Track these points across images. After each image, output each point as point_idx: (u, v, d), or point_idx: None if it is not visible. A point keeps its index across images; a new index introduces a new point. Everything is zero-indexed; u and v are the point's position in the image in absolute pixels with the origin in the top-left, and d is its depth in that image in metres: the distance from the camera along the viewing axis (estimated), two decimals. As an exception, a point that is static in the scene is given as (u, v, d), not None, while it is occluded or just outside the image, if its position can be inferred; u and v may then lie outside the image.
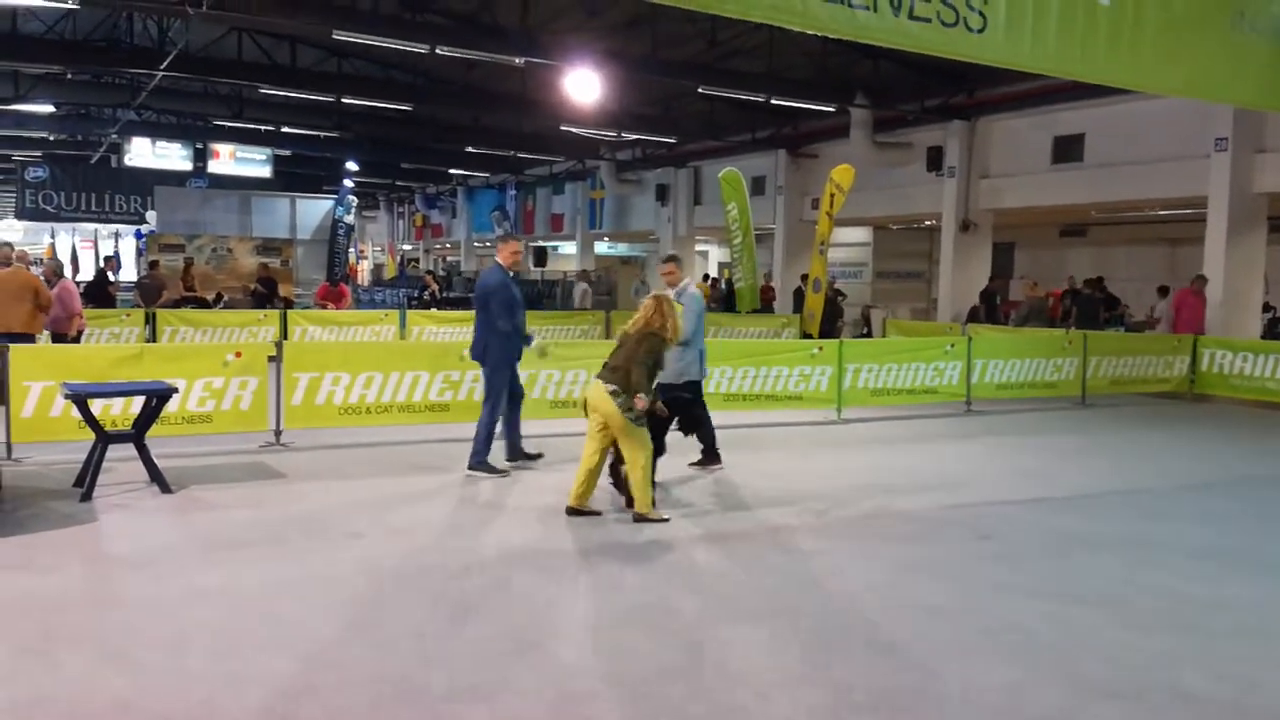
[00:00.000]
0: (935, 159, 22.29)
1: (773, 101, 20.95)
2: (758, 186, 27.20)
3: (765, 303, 23.83)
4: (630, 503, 7.12)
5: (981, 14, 7.35)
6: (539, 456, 9.04)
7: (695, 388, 8.63)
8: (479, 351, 8.54)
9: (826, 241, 19.29)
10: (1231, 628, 5.20)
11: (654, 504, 7.03)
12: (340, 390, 9.69)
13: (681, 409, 8.26)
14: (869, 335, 20.96)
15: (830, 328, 19.17)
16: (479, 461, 8.39)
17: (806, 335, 18.40)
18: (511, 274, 8.68)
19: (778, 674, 4.47)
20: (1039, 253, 28.64)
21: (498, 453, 8.65)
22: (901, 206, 23.76)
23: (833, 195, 18.66)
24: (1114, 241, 27.10)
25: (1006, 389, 13.69)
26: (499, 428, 8.60)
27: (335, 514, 7.14)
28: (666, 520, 6.98)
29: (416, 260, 48.37)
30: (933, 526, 7.17)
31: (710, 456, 8.94)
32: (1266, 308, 16.31)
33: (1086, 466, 9.80)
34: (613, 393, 6.83)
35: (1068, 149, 19.89)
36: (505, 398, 8.52)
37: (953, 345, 13.42)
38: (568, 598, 5.48)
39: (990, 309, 20.10)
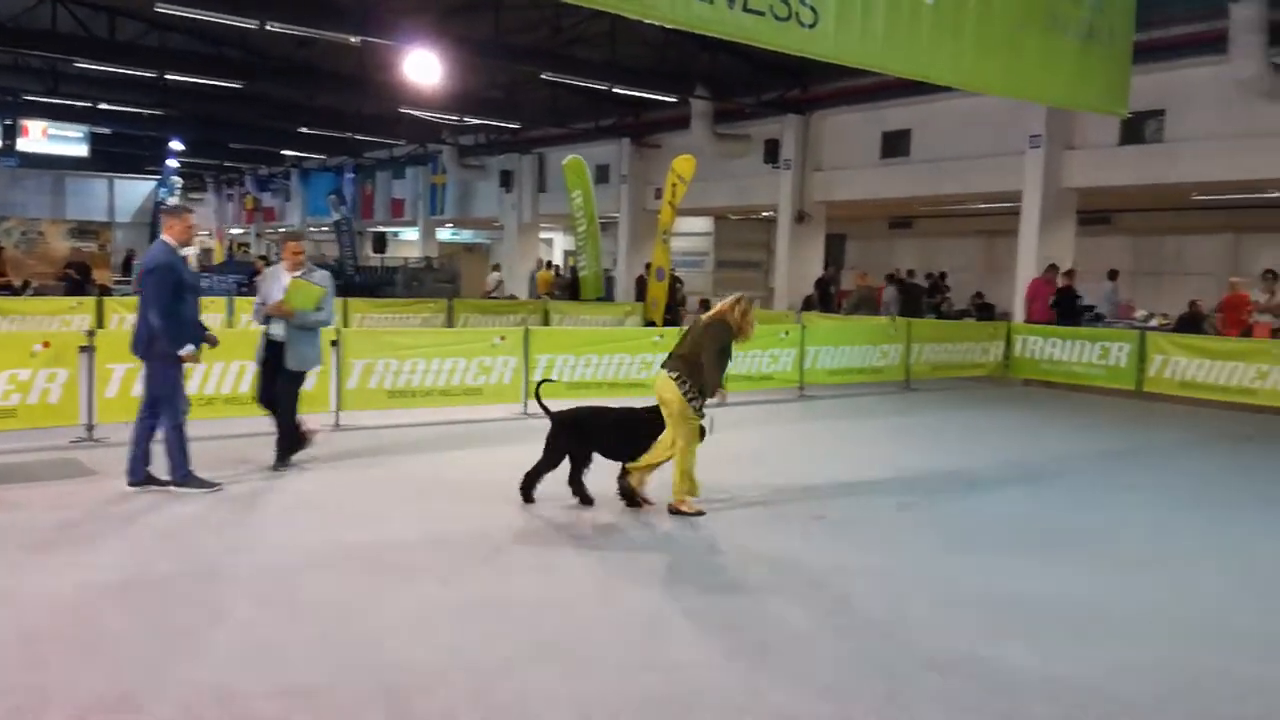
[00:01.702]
0: (772, 151, 22.89)
1: (615, 90, 21.03)
2: (602, 174, 27.29)
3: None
4: (631, 503, 7.08)
5: (813, 9, 7.54)
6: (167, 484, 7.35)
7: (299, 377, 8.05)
8: (142, 345, 7.17)
9: (669, 230, 19.53)
10: (1048, 600, 5.53)
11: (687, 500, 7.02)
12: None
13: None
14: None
15: (672, 316, 19.44)
16: (184, 475, 7.18)
17: (650, 323, 18.59)
18: (177, 252, 7.26)
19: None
20: (869, 244, 29.82)
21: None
22: (741, 197, 24.29)
23: (675, 185, 18.90)
24: (938, 233, 28.47)
25: (838, 374, 14.20)
26: (174, 434, 7.18)
27: (152, 513, 6.75)
28: (702, 514, 6.95)
29: (247, 245, 46.32)
30: (772, 508, 7.35)
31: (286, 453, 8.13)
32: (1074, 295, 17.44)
33: (911, 447, 10.27)
34: (677, 379, 6.82)
35: (896, 144, 20.76)
36: (180, 399, 7.22)
37: (787, 333, 13.82)
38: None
39: (824, 298, 20.80)
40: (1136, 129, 16.68)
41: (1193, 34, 15.32)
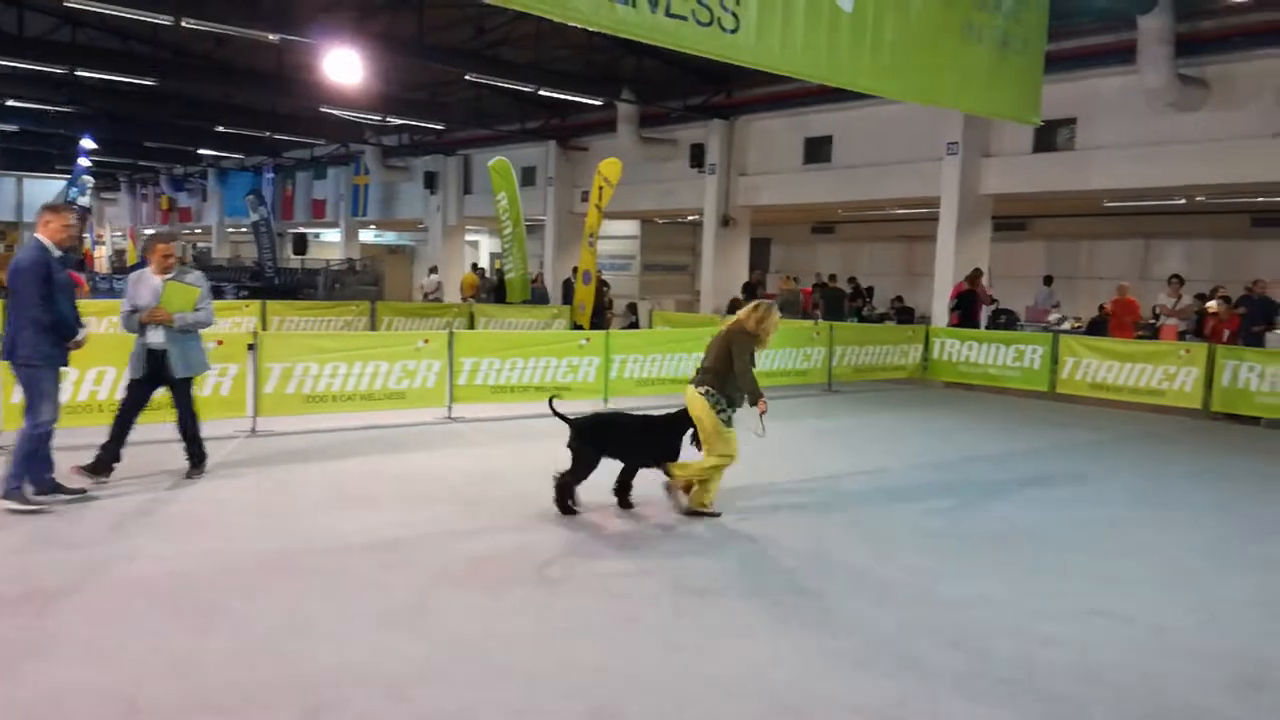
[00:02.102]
0: (698, 156, 23.00)
1: (541, 93, 20.96)
2: (528, 177, 27.17)
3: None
4: (625, 505, 7.18)
5: (735, 15, 7.60)
6: (81, 492, 7.14)
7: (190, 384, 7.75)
8: (8, 349, 6.76)
9: (595, 234, 19.50)
10: (965, 599, 5.64)
11: (706, 503, 7.13)
12: (68, 386, 8.86)
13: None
14: (636, 326, 21.37)
15: (599, 319, 19.42)
16: (11, 490, 6.69)
17: (576, 326, 18.55)
18: (59, 253, 6.91)
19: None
20: (793, 248, 30.19)
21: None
22: (667, 201, 24.38)
23: (601, 188, 18.89)
24: (860, 238, 28.94)
25: (762, 377, 14.19)
26: (26, 441, 6.75)
27: (36, 524, 6.53)
28: (718, 515, 7.08)
29: (163, 246, 45.01)
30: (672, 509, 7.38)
31: (100, 465, 7.50)
32: (992, 301, 17.88)
33: (833, 447, 10.40)
34: (706, 393, 6.88)
35: (817, 150, 21.04)
36: (45, 405, 6.79)
37: (712, 336, 13.88)
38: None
39: (751, 301, 20.96)
40: (1049, 137, 17.15)
41: (1103, 45, 15.81)
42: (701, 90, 21.73)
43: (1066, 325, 17.37)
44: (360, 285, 25.62)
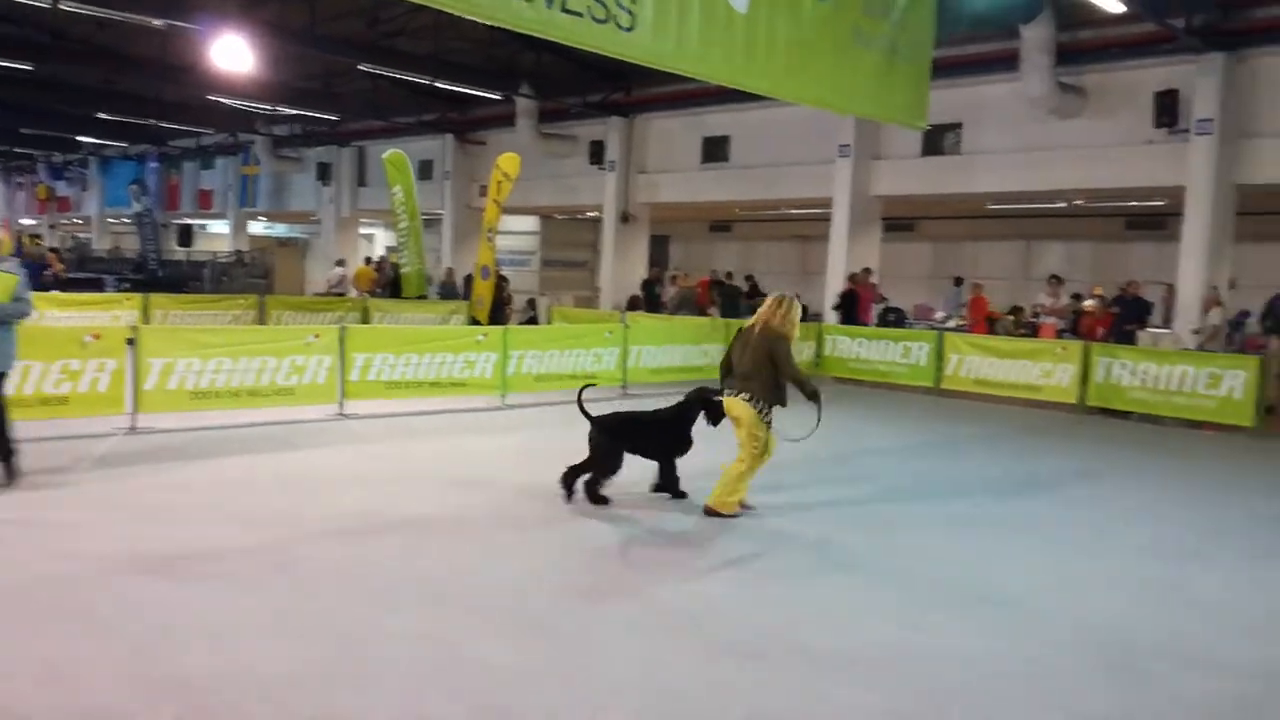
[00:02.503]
0: (597, 152, 23.06)
1: (438, 85, 20.70)
2: (425, 170, 26.83)
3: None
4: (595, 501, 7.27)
5: (630, 13, 7.66)
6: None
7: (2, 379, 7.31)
8: None
9: (494, 229, 19.37)
10: (842, 587, 5.79)
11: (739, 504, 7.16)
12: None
13: None
14: (535, 322, 21.29)
15: (498, 315, 19.30)
16: None
17: (475, 322, 18.39)
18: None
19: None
20: (692, 246, 30.47)
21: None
22: (566, 197, 24.36)
23: (500, 183, 18.77)
24: (756, 237, 29.38)
25: (660, 373, 14.43)
26: None
27: None
28: (739, 514, 7.10)
29: (39, 236, 43.03)
30: (584, 505, 7.39)
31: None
32: (882, 299, 18.33)
33: (724, 443, 10.53)
34: (750, 400, 6.92)
35: (715, 150, 21.29)
36: None
37: (611, 332, 13.95)
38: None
39: (650, 298, 21.10)
40: (937, 141, 17.70)
41: (988, 53, 16.38)
42: (601, 87, 21.77)
43: (952, 324, 17.93)
44: (249, 278, 24.96)
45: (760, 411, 6.96)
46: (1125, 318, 15.01)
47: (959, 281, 20.93)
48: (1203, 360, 12.76)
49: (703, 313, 19.00)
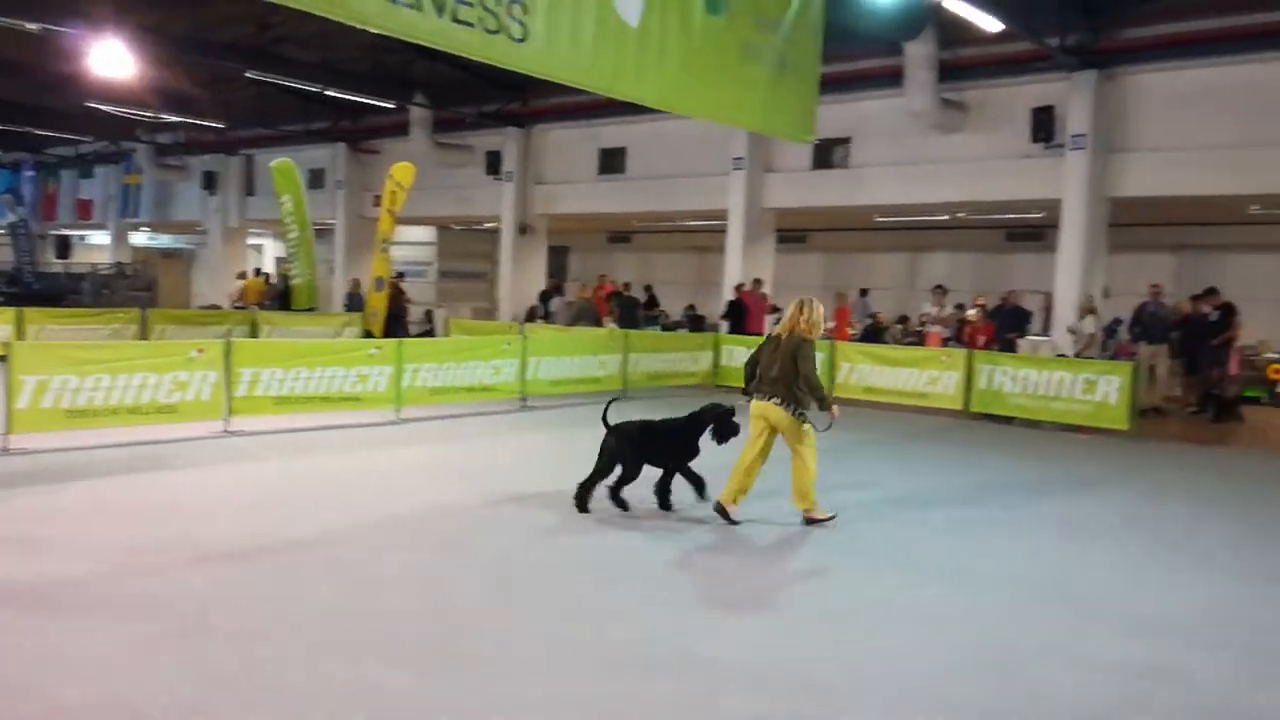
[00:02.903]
0: (494, 163, 22.96)
1: (328, 93, 20.32)
2: (317, 179, 26.31)
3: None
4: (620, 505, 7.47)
5: (523, 24, 7.65)
6: None
7: None
8: None
9: (389, 239, 19.09)
10: (744, 591, 5.86)
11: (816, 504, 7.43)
12: None
13: None
14: (432, 334, 21.03)
15: (394, 327, 19.02)
16: None
17: (368, 334, 18.07)
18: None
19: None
20: (591, 257, 30.52)
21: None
22: (463, 207, 24.17)
23: (394, 192, 18.52)
24: (655, 248, 29.59)
25: (559, 385, 14.40)
26: None
27: None
28: (833, 517, 7.40)
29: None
30: (481, 520, 7.33)
31: None
32: (774, 309, 18.63)
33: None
34: (781, 404, 7.17)
35: (612, 161, 21.40)
36: None
37: (509, 344, 13.86)
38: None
39: (548, 309, 21.05)
40: (827, 155, 18.13)
41: (874, 69, 16.87)
42: (497, 97, 21.67)
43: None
44: (131, 291, 24.05)
45: (795, 414, 7.24)
46: (1005, 326, 15.59)
47: (865, 292, 21.47)
48: (1079, 366, 13.33)
49: (600, 323, 19.04)
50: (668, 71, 8.96)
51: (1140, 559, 6.96)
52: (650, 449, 7.61)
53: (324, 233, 26.62)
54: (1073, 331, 15.06)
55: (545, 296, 21.61)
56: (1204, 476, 10.36)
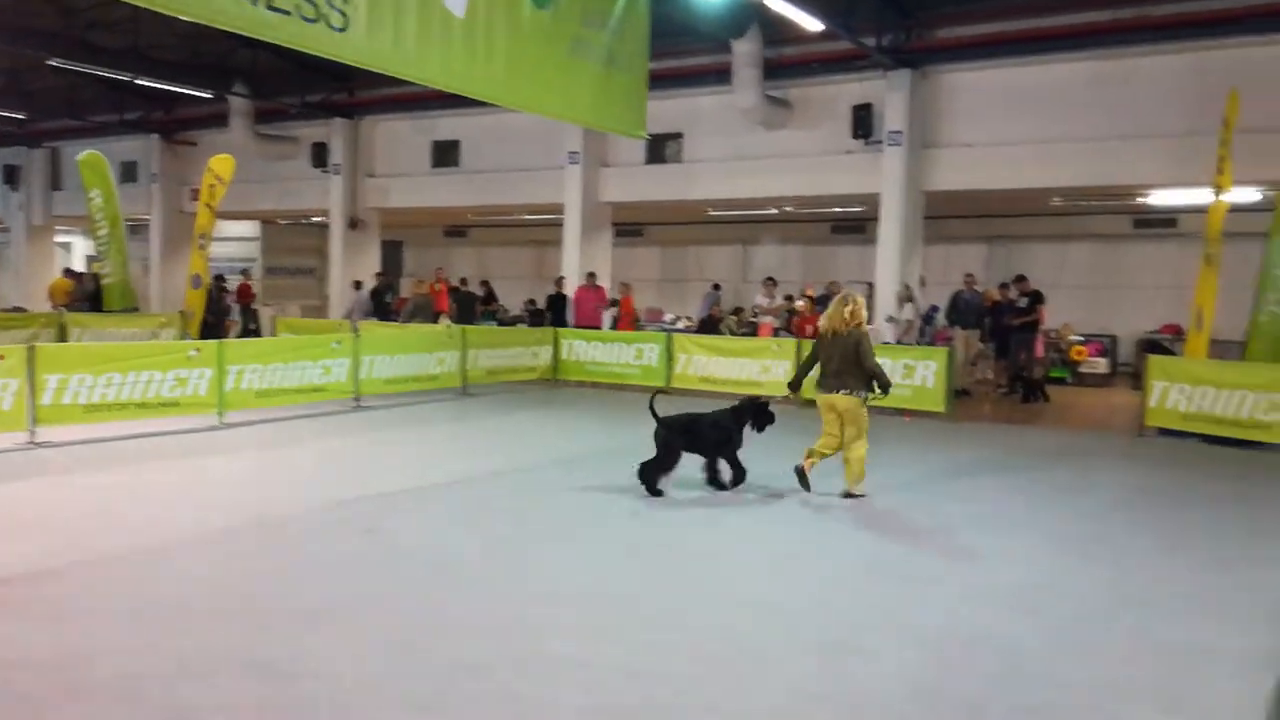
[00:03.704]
0: (321, 155, 22.24)
1: (140, 82, 19.22)
2: (130, 173, 24.92)
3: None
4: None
5: (343, 13, 7.43)
6: None
7: None
8: None
9: (208, 235, 18.25)
10: (591, 586, 5.89)
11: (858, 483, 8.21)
12: None
13: None
14: (257, 334, 20.21)
15: (216, 327, 18.22)
16: None
17: (188, 335, 17.23)
18: None
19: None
20: (426, 251, 29.96)
21: None
22: (289, 201, 23.35)
23: (212, 186, 17.72)
24: (490, 242, 29.32)
25: (394, 383, 14.09)
26: None
27: None
28: (865, 496, 8.15)
29: None
30: (317, 526, 7.10)
31: None
32: (613, 303, 18.79)
33: (466, 451, 10.46)
34: (850, 393, 7.99)
35: (446, 154, 21.08)
36: None
37: (340, 342, 13.45)
38: None
39: (380, 306, 20.52)
40: (660, 150, 18.38)
41: (703, 65, 17.20)
42: (323, 87, 21.00)
43: (680, 325, 18.68)
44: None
45: (863, 400, 8.06)
46: (831, 315, 16.17)
47: (717, 287, 21.89)
48: (898, 353, 13.96)
49: (437, 320, 18.73)
50: (496, 65, 8.88)
51: (961, 531, 7.36)
52: (695, 440, 8.19)
53: (139, 228, 25.22)
54: (892, 319, 15.78)
55: (376, 294, 21.05)
56: (1014, 458, 10.96)
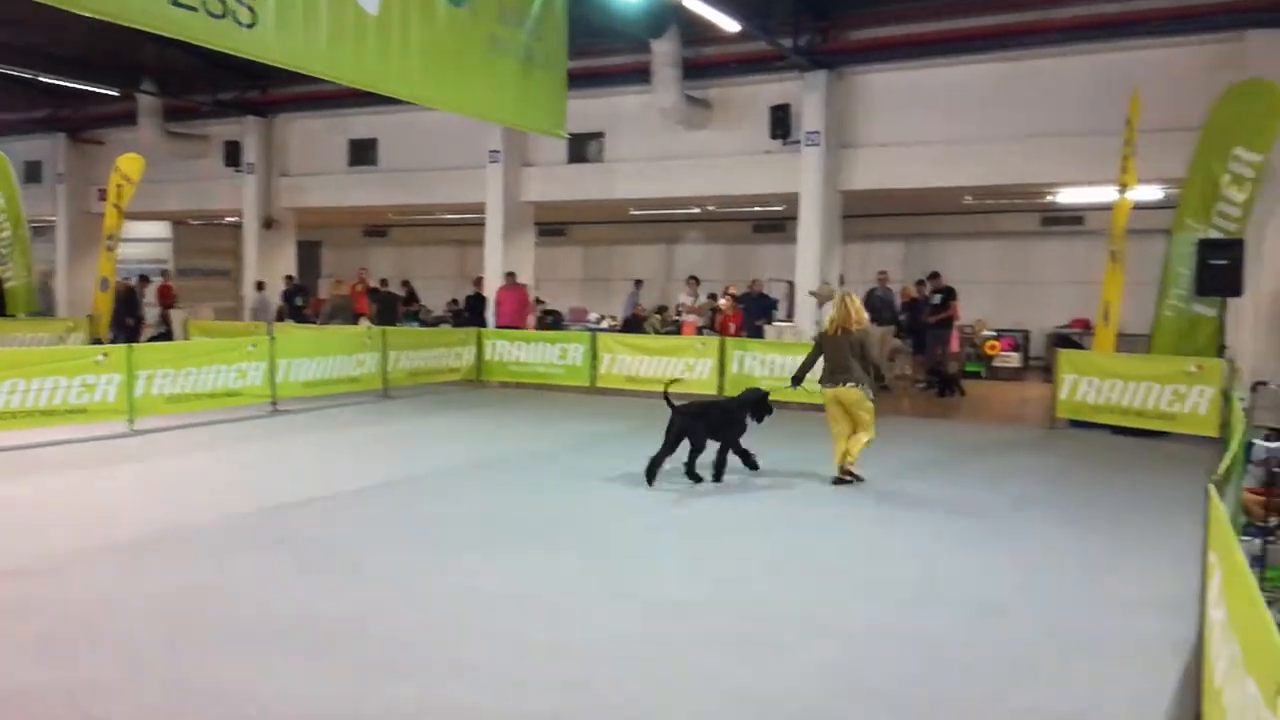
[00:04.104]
0: (233, 154, 21.75)
1: (42, 79, 18.56)
2: (33, 172, 24.08)
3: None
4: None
5: (251, 9, 7.27)
6: None
7: None
8: None
9: (116, 236, 17.72)
10: (510, 590, 5.85)
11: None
12: None
13: None
14: (168, 337, 19.67)
15: (131, 330, 17.69)
16: None
17: (96, 340, 16.70)
18: None
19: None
20: (345, 252, 29.49)
21: None
22: (200, 201, 22.81)
23: (120, 186, 17.23)
24: (412, 242, 28.97)
25: (313, 386, 13.84)
26: None
27: None
28: (862, 480, 8.62)
29: None
30: (227, 536, 6.93)
31: None
32: (540, 301, 18.74)
33: (385, 455, 10.32)
34: (857, 386, 8.45)
35: (363, 153, 20.77)
36: None
37: (255, 345, 13.16)
38: None
39: (294, 308, 20.12)
40: (581, 149, 18.35)
41: (624, 65, 17.21)
42: (235, 85, 20.51)
43: (605, 325, 18.68)
44: None
45: (868, 394, 8.52)
46: (753, 313, 16.35)
47: (639, 284, 21.90)
48: (819, 349, 14.15)
49: (358, 322, 18.44)
50: (412, 62, 8.77)
51: (868, 527, 7.50)
52: (712, 425, 8.64)
53: (44, 230, 24.37)
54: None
55: (288, 296, 20.62)
56: (934, 452, 11.18)
